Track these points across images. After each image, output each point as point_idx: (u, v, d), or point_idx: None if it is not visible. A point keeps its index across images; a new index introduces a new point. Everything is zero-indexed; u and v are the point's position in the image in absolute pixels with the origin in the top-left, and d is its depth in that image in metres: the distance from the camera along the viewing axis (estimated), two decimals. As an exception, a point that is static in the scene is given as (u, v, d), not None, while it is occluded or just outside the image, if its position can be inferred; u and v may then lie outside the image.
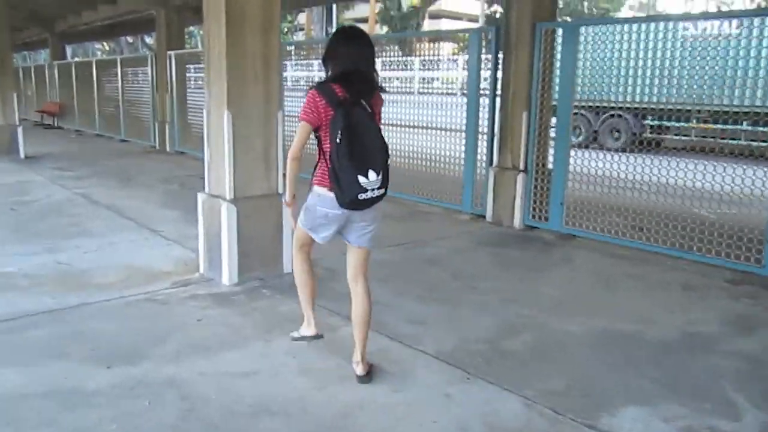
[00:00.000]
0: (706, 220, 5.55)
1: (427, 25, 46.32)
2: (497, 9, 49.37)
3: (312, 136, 2.97)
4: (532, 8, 6.57)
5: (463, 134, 7.42)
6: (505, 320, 4.07)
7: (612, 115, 13.05)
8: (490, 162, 7.14)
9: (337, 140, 2.75)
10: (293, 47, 12.09)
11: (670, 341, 3.79)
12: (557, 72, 6.45)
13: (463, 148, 7.43)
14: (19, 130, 11.84)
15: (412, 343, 3.62)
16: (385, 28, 45.76)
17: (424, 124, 8.19)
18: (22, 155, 11.76)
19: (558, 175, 6.46)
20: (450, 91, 11.15)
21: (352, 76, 2.87)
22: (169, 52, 12.64)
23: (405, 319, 4.02)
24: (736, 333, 3.98)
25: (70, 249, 5.53)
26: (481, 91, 7.18)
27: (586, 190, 6.31)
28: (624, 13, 47.88)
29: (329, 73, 2.95)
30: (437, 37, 10.37)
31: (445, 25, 46.44)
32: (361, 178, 2.77)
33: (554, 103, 6.59)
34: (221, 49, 4.41)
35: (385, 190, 2.91)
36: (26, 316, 3.95)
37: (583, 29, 6.21)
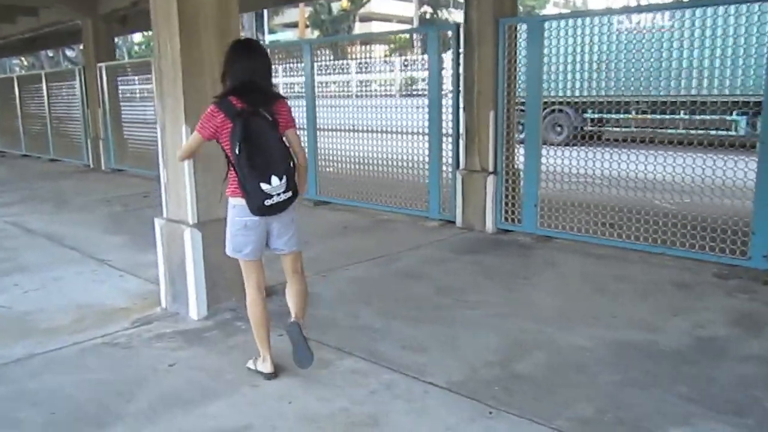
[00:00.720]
0: (671, 212, 5.46)
1: (358, 27, 46.16)
2: (427, 10, 50.09)
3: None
4: (493, 4, 6.34)
5: (423, 137, 7.14)
6: (509, 337, 3.77)
7: (553, 110, 13.10)
8: (457, 165, 6.87)
9: (237, 150, 2.88)
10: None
11: (685, 350, 3.58)
12: (521, 69, 6.28)
13: (424, 151, 7.14)
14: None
15: (418, 375, 3.26)
16: (317, 32, 45.32)
17: (376, 128, 7.90)
18: (-62, 183, 10.75)
19: (530, 176, 6.25)
20: (389, 93, 11.01)
21: (247, 86, 2.98)
22: (99, 65, 11.83)
23: (401, 346, 3.66)
24: (746, 334, 3.81)
25: (7, 289, 4.90)
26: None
27: (546, 188, 6.19)
28: (549, 10, 49.08)
29: (227, 86, 3.05)
30: (384, 38, 10.08)
31: (376, 27, 46.41)
32: (264, 185, 2.90)
33: (521, 100, 6.38)
34: (174, 57, 3.93)
35: (293, 193, 3.01)
36: (-37, 376, 3.38)
37: (547, 24, 6.01)
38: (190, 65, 3.95)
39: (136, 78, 11.80)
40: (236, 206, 3.07)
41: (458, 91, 6.75)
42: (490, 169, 6.58)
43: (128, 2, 11.33)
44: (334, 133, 8.31)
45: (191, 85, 3.97)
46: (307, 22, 47.85)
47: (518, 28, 6.27)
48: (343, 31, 42.45)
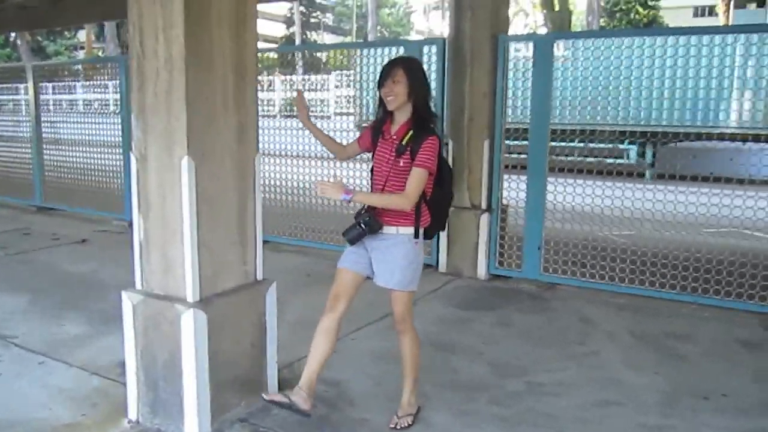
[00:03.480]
0: (670, 253, 5.09)
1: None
2: (296, 31, 49.27)
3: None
4: (490, 19, 5.54)
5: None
6: (644, 443, 2.86)
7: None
8: (442, 201, 5.92)
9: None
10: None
11: None
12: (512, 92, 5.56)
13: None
14: None
15: None
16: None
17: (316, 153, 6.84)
18: None
19: (534, 213, 5.47)
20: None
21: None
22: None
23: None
24: None
25: None
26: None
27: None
28: (413, 37, 50.18)
29: (431, 110, 2.84)
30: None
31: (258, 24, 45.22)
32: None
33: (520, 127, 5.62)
34: (176, 52, 2.63)
35: None
36: None
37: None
38: (197, 68, 2.67)
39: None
40: (418, 241, 2.84)
41: (441, 115, 5.84)
42: (483, 206, 5.72)
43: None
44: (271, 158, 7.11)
45: (198, 95, 2.68)
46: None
47: (514, 47, 5.52)
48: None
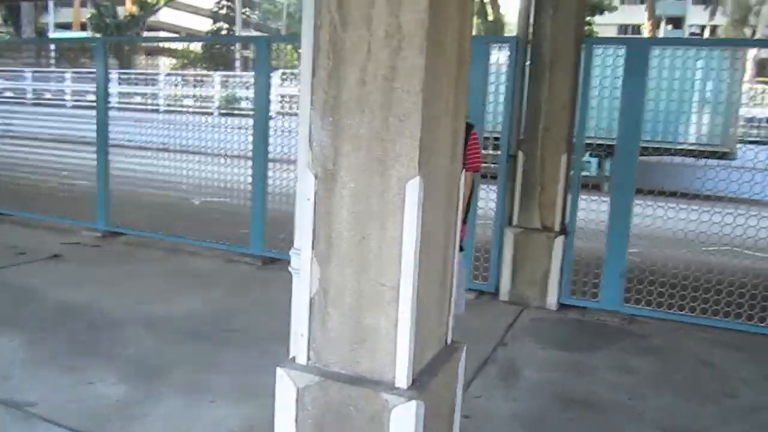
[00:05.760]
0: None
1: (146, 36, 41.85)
2: (222, 26, 47.40)
3: None
4: (576, 21, 4.90)
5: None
6: None
7: None
8: (508, 221, 5.22)
9: None
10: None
11: None
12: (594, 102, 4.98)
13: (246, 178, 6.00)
14: None
15: None
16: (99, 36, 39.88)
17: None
18: None
19: (617, 238, 4.86)
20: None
21: None
22: None
23: None
24: None
25: None
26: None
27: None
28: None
29: None
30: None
31: (183, 18, 43.72)
32: None
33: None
34: (412, 21, 1.76)
35: None
36: None
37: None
38: (435, 47, 1.81)
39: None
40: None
41: (511, 125, 5.14)
42: (556, 228, 5.06)
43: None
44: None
45: (432, 87, 1.83)
46: (89, 24, 42.20)
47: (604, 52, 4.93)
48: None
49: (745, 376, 3.87)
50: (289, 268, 2.16)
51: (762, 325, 4.52)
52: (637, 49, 4.70)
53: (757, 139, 14.15)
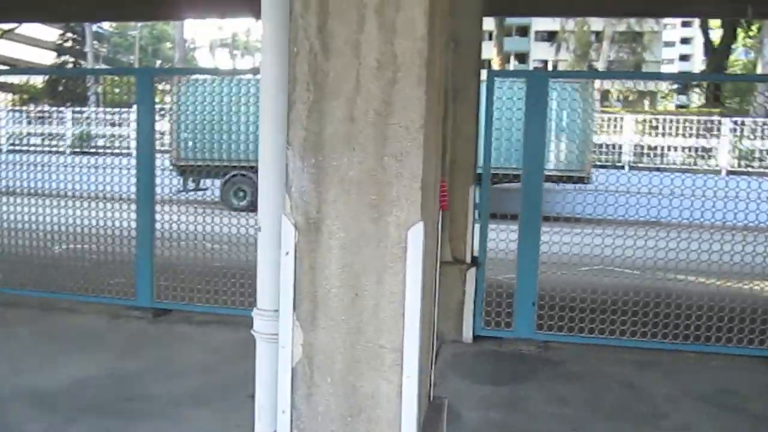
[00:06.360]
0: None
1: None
2: (68, 60, 44.44)
3: None
4: (476, 55, 4.99)
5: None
6: None
7: (235, 175, 12.08)
8: (420, 255, 5.12)
9: None
10: None
11: None
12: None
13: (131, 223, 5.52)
14: None
15: None
16: None
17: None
18: None
19: (527, 266, 4.93)
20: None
21: None
22: None
23: None
24: None
25: None
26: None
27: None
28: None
29: None
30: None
31: (22, 50, 40.41)
32: None
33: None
34: (410, 49, 1.59)
35: None
36: None
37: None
38: (430, 76, 1.64)
39: None
40: None
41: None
42: (468, 260, 5.05)
43: None
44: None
45: (428, 120, 1.65)
46: None
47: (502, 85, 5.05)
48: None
49: (667, 393, 4.02)
50: (252, 332, 1.87)
51: (665, 341, 4.76)
52: (536, 82, 4.87)
53: (607, 163, 15.56)
